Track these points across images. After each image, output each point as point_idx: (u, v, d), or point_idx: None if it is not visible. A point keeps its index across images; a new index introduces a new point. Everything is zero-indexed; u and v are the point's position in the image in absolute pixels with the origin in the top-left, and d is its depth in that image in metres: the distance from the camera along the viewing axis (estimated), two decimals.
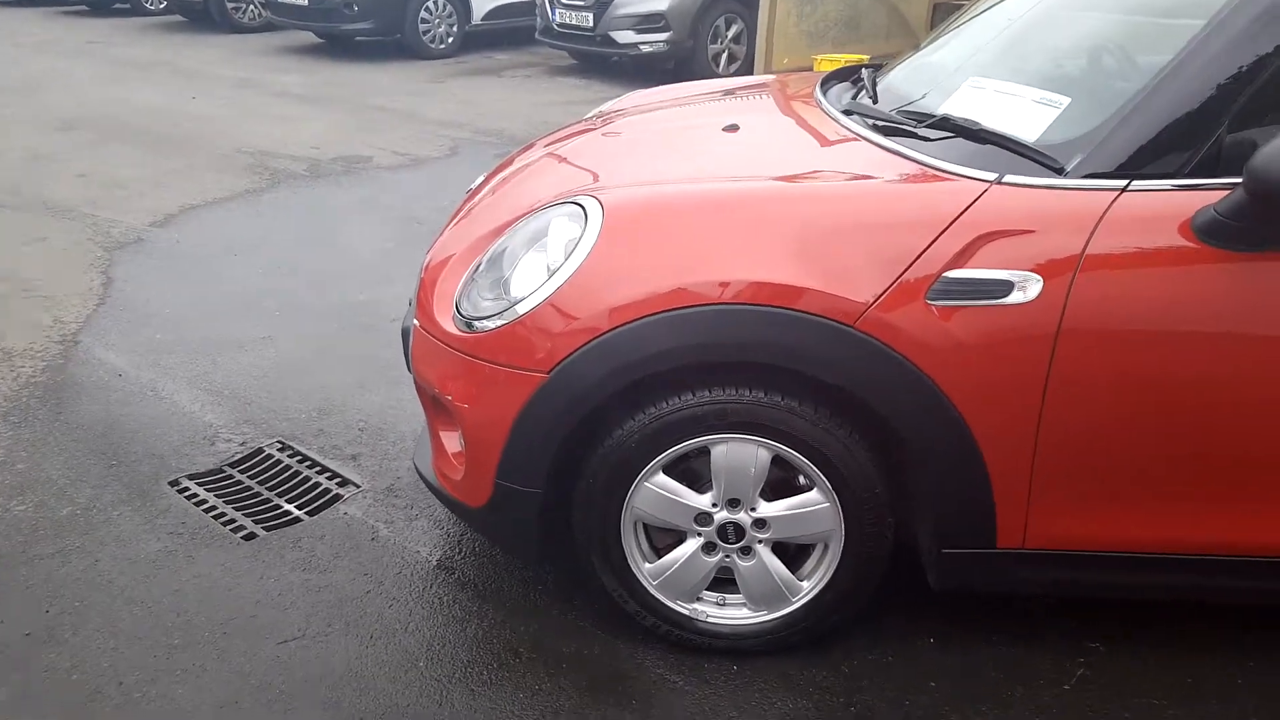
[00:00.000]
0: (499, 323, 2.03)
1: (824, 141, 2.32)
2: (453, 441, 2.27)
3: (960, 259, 1.82)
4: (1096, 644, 2.22)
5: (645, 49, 9.09)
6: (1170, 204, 1.80)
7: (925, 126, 2.15)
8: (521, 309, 2.00)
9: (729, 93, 3.09)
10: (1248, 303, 1.77)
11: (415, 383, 2.35)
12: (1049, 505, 1.96)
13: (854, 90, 2.73)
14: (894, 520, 2.06)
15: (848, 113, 2.42)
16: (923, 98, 2.32)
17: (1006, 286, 1.81)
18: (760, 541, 2.08)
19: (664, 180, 2.19)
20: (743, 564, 2.10)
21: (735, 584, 2.15)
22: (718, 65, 9.30)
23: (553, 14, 9.54)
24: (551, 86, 9.30)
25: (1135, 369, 1.83)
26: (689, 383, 1.96)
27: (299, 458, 3.04)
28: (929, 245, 1.83)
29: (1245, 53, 1.78)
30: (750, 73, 9.03)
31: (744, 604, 2.16)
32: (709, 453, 2.01)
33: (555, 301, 1.96)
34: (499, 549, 2.54)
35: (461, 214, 2.58)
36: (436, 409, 2.27)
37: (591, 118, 3.19)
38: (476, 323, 2.07)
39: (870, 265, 1.85)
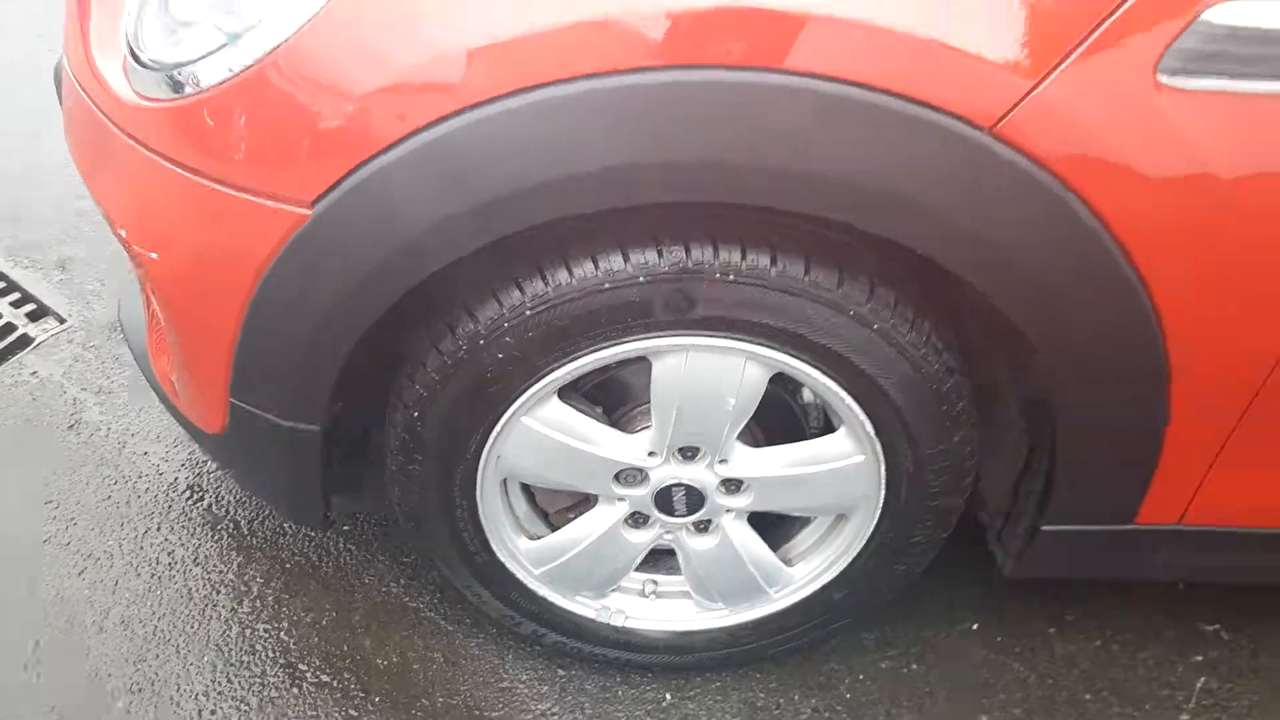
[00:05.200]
0: (206, 79, 0.92)
1: None
2: None
3: None
4: (1216, 626, 1.44)
5: None
6: None
7: None
8: (251, 50, 0.89)
9: None
10: None
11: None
12: (1253, 465, 1.09)
13: None
14: (973, 483, 1.15)
15: None
16: None
17: None
18: (730, 513, 1.15)
19: None
20: (695, 545, 1.18)
21: (671, 555, 1.24)
22: None
23: None
24: None
25: None
26: (619, 236, 0.94)
27: None
28: None
29: None
30: None
31: (688, 595, 1.27)
32: (648, 365, 1.02)
33: (316, 39, 0.86)
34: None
35: None
36: (120, 241, 1.18)
37: None
38: (168, 76, 0.95)
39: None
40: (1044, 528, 1.16)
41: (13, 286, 1.87)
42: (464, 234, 0.90)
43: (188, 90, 0.95)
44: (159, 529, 1.45)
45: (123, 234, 1.06)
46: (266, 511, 1.48)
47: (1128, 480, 1.10)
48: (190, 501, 1.49)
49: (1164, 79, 0.80)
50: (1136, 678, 1.36)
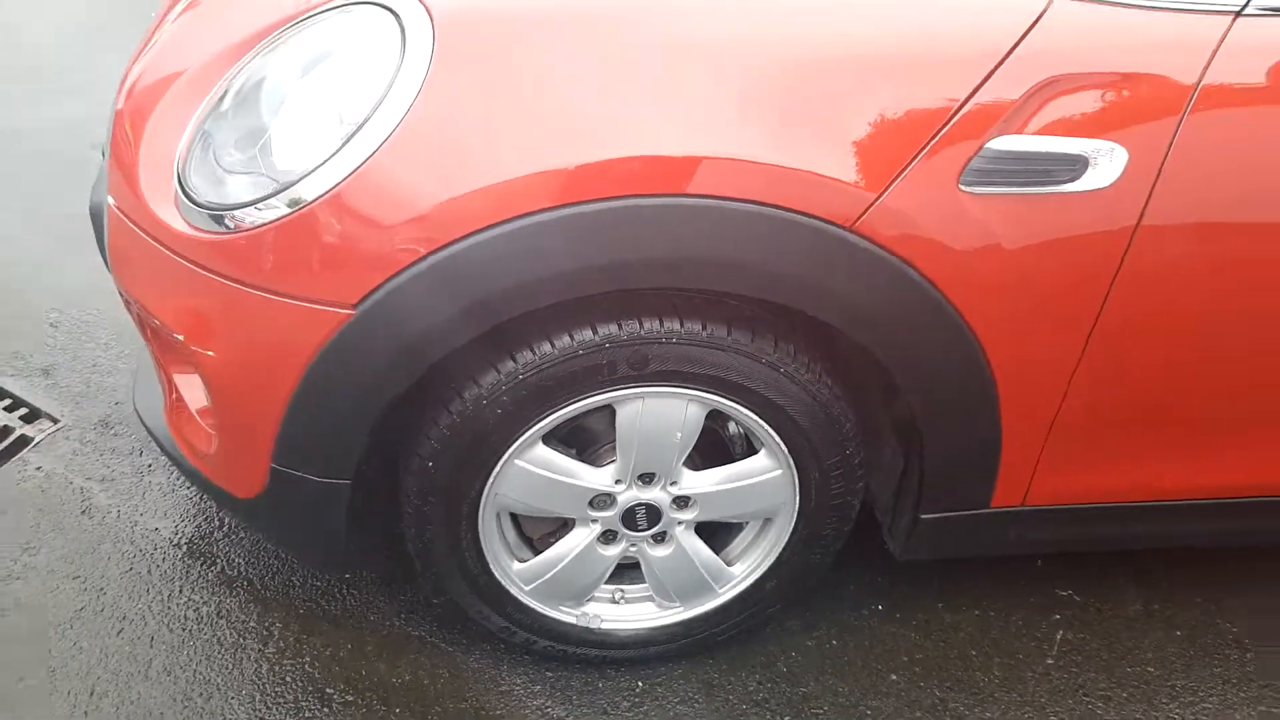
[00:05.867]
0: (262, 217, 1.19)
1: None
2: (199, 392, 1.45)
3: (1015, 119, 1.16)
4: (1069, 591, 1.80)
5: None
6: None
7: None
8: (302, 193, 1.17)
9: None
10: None
11: (122, 299, 1.48)
12: (1066, 455, 1.44)
13: None
14: (865, 485, 1.48)
15: None
16: None
17: (1079, 164, 1.18)
18: (681, 525, 1.45)
19: None
20: (655, 553, 1.47)
21: (634, 569, 1.53)
22: None
23: None
24: None
25: (1231, 274, 1.28)
26: (586, 315, 1.24)
27: None
28: (970, 96, 1.15)
29: None
30: None
31: (650, 598, 1.55)
32: (612, 412, 1.32)
33: (360, 186, 1.14)
34: (282, 551, 1.75)
35: (182, 3, 1.62)
36: (165, 341, 1.43)
37: None
38: (222, 215, 1.22)
39: (882, 128, 1.16)
40: (922, 516, 1.49)
41: (4, 394, 2.04)
42: (472, 321, 1.19)
43: (238, 225, 1.21)
44: (181, 591, 1.66)
45: (179, 337, 1.31)
46: (275, 569, 1.71)
47: (979, 474, 1.45)
48: (205, 566, 1.71)
49: (964, 188, 1.16)
50: (1010, 635, 1.71)
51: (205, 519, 1.79)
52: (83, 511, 1.79)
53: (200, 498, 1.83)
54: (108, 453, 1.92)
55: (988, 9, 1.21)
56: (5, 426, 1.96)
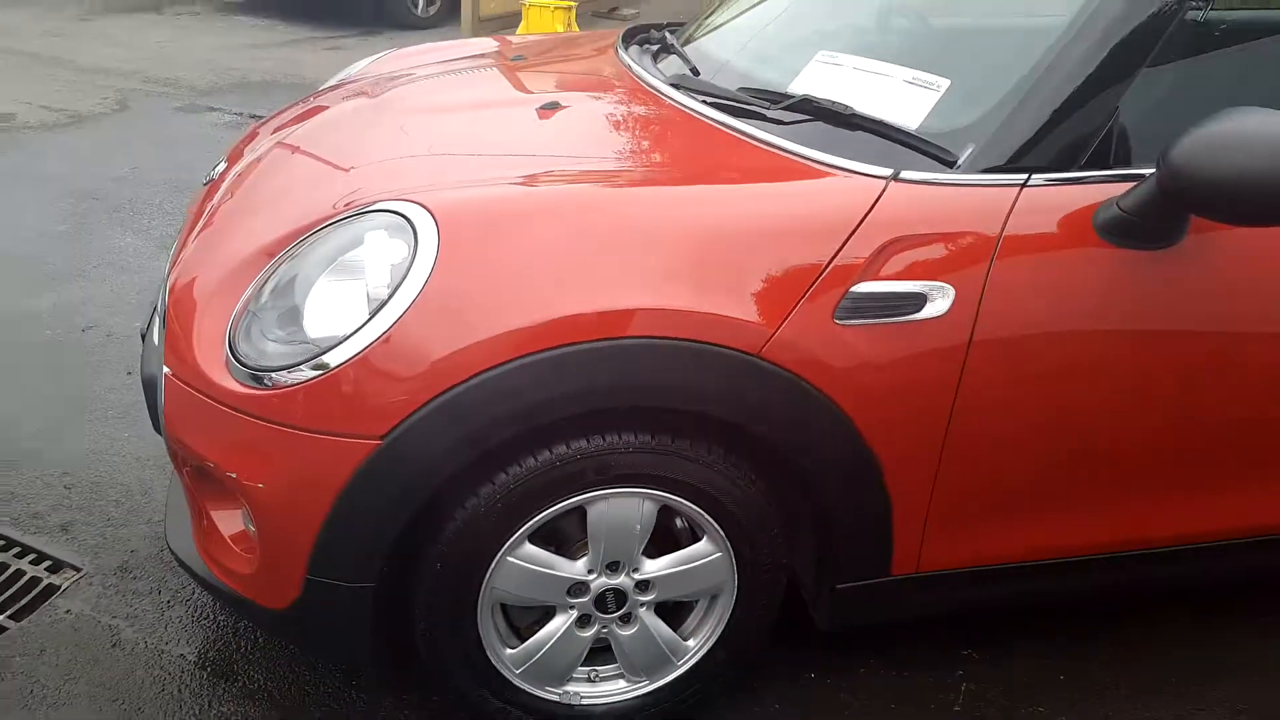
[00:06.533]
0: (305, 375, 1.53)
1: (666, 127, 1.99)
2: (231, 522, 1.74)
3: (869, 270, 1.58)
4: (969, 650, 2.14)
5: None
6: (1074, 199, 1.67)
7: (780, 108, 1.89)
8: (337, 357, 1.51)
9: (517, 57, 2.66)
10: (1160, 301, 1.69)
11: (169, 449, 1.78)
12: (944, 525, 1.80)
13: (655, 54, 2.41)
14: (788, 563, 1.82)
15: (676, 87, 2.10)
16: (764, 73, 2.06)
17: (919, 300, 1.60)
18: (643, 605, 1.76)
19: (495, 180, 1.77)
20: (623, 633, 1.78)
21: (605, 652, 1.82)
22: (416, 7, 8.71)
23: None
24: (227, 27, 8.22)
25: (1044, 376, 1.70)
26: (561, 434, 1.59)
27: None
28: (835, 254, 1.58)
29: (1135, 31, 1.67)
30: (455, 15, 8.52)
31: (620, 675, 1.84)
32: (584, 511, 1.66)
33: (388, 346, 1.50)
34: (309, 655, 2.01)
35: (205, 218, 1.99)
36: (203, 481, 1.73)
37: (332, 88, 2.64)
38: (268, 376, 1.56)
39: (773, 280, 1.56)
40: (837, 587, 1.83)
41: (28, 549, 2.28)
42: (475, 443, 1.53)
43: (275, 384, 1.55)
44: (210, 705, 1.89)
45: (232, 475, 1.62)
46: (290, 679, 1.95)
47: (878, 546, 1.80)
48: (228, 683, 1.95)
49: (838, 321, 1.57)
50: (923, 690, 2.03)
51: (224, 644, 2.04)
52: (113, 645, 2.02)
53: (219, 624, 2.08)
54: (129, 594, 2.16)
55: (842, 191, 1.65)
56: (34, 578, 2.20)
